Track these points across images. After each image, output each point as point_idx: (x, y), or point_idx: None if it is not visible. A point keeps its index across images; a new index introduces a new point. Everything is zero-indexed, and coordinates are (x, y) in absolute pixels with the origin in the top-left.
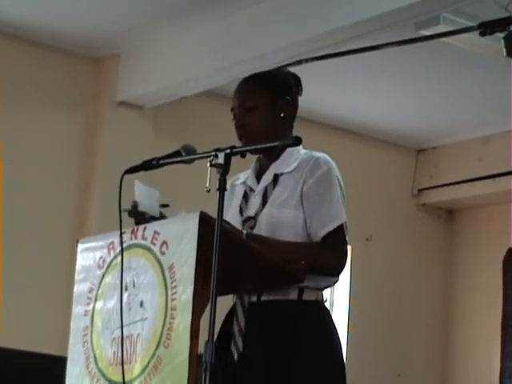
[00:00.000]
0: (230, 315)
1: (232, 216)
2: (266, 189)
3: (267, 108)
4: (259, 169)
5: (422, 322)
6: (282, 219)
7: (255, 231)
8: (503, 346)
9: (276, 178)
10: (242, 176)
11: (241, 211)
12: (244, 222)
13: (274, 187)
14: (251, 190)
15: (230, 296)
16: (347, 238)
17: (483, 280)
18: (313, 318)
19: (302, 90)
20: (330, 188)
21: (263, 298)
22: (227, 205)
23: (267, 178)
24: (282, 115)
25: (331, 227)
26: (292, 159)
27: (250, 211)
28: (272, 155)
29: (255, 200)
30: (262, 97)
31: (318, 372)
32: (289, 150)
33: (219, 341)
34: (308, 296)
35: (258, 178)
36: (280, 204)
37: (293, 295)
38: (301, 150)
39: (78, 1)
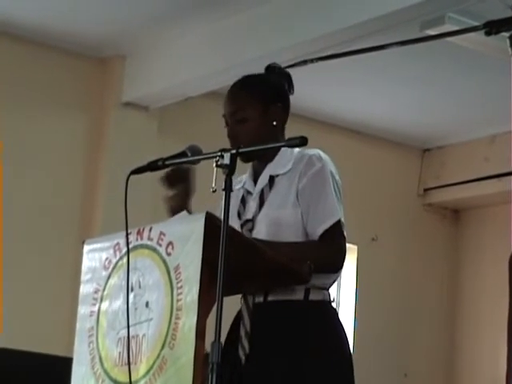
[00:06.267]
0: (237, 320)
1: (230, 220)
2: (262, 191)
3: (259, 118)
4: (254, 172)
5: (428, 322)
6: (282, 220)
7: (254, 233)
8: (510, 346)
9: (272, 179)
10: (243, 178)
11: (239, 215)
12: (242, 225)
13: (270, 189)
14: (249, 193)
15: (236, 297)
16: (345, 234)
17: (489, 279)
18: (319, 319)
19: (293, 89)
20: (324, 185)
21: (270, 298)
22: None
23: (263, 179)
24: (275, 123)
25: (327, 225)
26: (286, 160)
27: (248, 214)
28: (266, 157)
29: (253, 203)
30: (254, 107)
31: (325, 373)
32: (283, 150)
33: (227, 346)
34: (314, 296)
35: (255, 181)
36: (278, 205)
37: (299, 295)
38: (294, 150)
39: (84, 2)
